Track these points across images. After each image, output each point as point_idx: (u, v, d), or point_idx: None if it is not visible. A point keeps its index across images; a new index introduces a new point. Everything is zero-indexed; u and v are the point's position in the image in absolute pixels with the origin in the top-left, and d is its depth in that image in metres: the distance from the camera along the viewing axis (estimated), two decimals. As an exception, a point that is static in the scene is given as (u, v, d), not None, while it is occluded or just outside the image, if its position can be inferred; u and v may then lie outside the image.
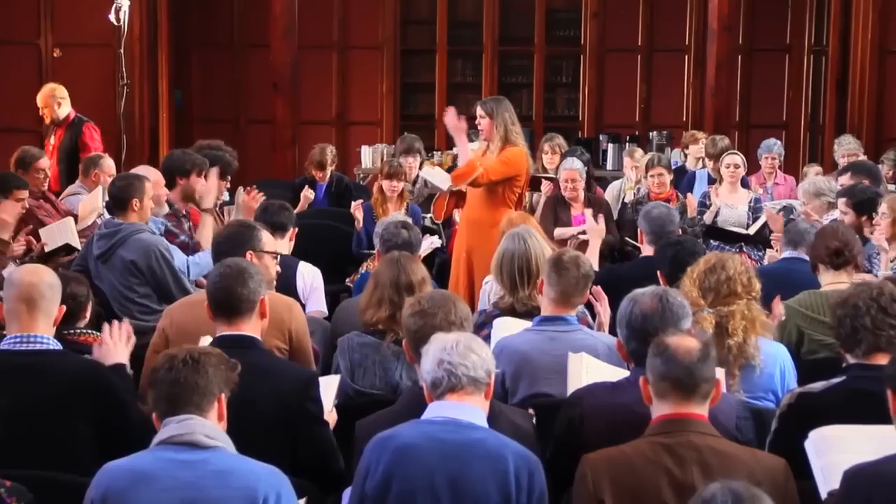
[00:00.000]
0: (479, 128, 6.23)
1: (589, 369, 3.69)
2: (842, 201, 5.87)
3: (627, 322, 3.31)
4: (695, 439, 2.83)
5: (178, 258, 5.30)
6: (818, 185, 6.68)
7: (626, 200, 7.81)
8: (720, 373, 3.63)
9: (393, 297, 4.02)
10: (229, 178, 6.46)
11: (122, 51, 9.94)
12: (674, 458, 2.81)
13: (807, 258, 5.16)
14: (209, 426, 2.73)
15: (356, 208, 7.09)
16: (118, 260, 5.14)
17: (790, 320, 4.56)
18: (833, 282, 4.66)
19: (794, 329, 4.56)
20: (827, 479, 2.93)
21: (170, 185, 5.83)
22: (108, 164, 7.05)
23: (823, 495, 2.94)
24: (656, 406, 2.91)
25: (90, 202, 6.43)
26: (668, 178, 7.53)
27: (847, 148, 8.48)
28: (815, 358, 4.46)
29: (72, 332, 3.93)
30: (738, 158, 7.70)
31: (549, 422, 3.41)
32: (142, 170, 5.56)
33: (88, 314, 4.10)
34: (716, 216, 7.47)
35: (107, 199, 6.40)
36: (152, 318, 4.92)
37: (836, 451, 2.96)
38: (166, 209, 5.63)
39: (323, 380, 3.73)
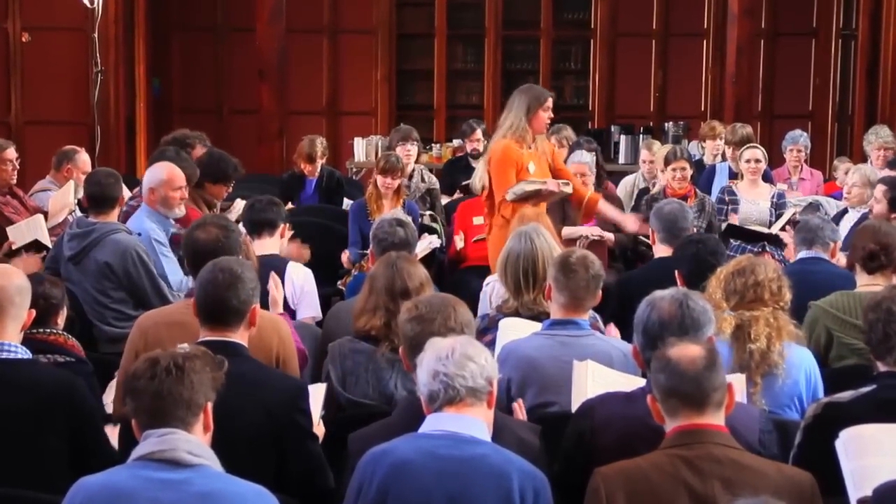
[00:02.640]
0: (545, 120, 6.16)
1: (595, 378, 3.69)
2: (881, 189, 5.84)
3: (644, 328, 3.30)
4: (715, 451, 2.83)
5: (176, 276, 5.29)
6: (880, 177, 6.66)
7: (655, 194, 7.75)
8: (740, 379, 3.65)
9: (388, 304, 4.01)
10: (233, 183, 6.47)
11: (95, 35, 9.94)
12: (693, 471, 2.80)
13: (824, 256, 5.15)
14: (193, 441, 2.71)
15: (346, 259, 6.97)
16: (92, 262, 5.13)
17: (819, 322, 4.55)
18: (868, 284, 4.66)
19: (822, 332, 4.55)
20: (858, 484, 2.92)
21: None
22: (83, 158, 7.04)
23: (853, 502, 2.94)
24: (669, 422, 2.92)
25: (61, 198, 6.44)
26: (689, 173, 7.50)
27: (884, 139, 8.48)
28: (843, 365, 4.46)
29: (39, 331, 3.93)
30: (759, 153, 7.62)
31: (556, 435, 3.41)
32: (162, 169, 5.54)
33: (62, 320, 4.11)
34: (734, 212, 7.43)
35: (80, 195, 6.41)
36: (128, 324, 4.89)
37: (870, 453, 2.96)
38: (182, 212, 5.60)
39: (310, 388, 3.73)
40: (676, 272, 4.57)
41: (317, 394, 3.74)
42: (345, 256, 6.93)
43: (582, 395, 3.61)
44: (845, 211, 6.97)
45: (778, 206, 7.43)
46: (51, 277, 4.33)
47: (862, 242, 4.72)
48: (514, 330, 4.19)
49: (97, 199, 5.30)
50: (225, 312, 3.48)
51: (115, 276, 5.12)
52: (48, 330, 4.00)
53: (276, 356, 4.02)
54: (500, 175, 5.99)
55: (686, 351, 2.91)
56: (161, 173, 5.49)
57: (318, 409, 3.70)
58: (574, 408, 3.58)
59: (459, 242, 7.03)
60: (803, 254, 5.24)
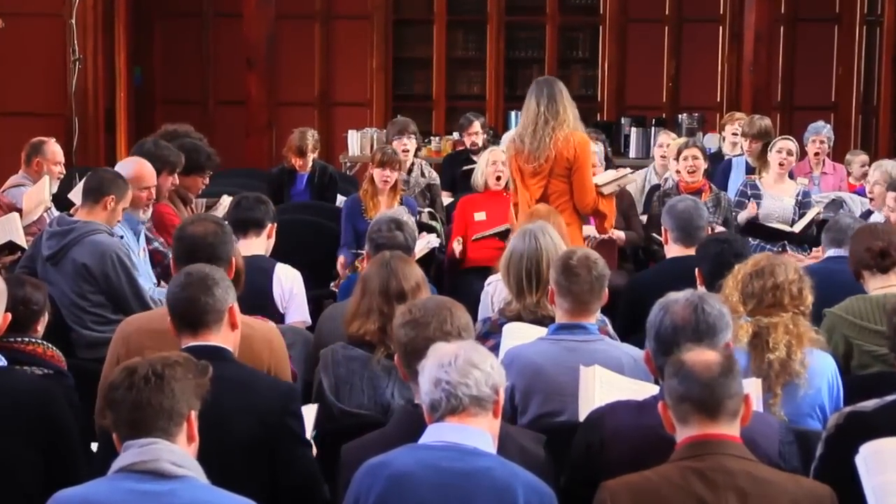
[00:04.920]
0: None
1: (603, 384, 3.70)
2: (892, 196, 5.86)
3: (656, 333, 3.30)
4: (729, 463, 2.84)
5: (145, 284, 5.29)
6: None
7: (668, 190, 7.74)
8: (757, 385, 3.66)
9: (382, 307, 4.02)
10: (209, 173, 6.49)
11: (73, 21, 9.96)
12: (706, 484, 2.81)
13: None
14: (177, 452, 2.72)
15: (341, 264, 6.84)
16: (69, 263, 5.12)
17: (836, 330, 4.55)
18: (883, 286, 4.67)
19: (840, 340, 4.55)
20: (881, 502, 2.93)
21: None
22: (52, 149, 7.03)
23: None
24: (680, 431, 2.93)
25: (36, 194, 6.43)
26: (702, 164, 7.47)
27: None
28: (867, 373, 4.46)
29: (17, 340, 3.93)
30: (793, 145, 7.53)
31: (563, 446, 3.41)
32: (129, 164, 5.55)
33: (42, 327, 4.09)
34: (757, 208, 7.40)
35: (54, 191, 6.40)
36: (108, 328, 4.89)
37: (891, 468, 2.96)
38: (148, 215, 5.61)
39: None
40: (697, 270, 4.60)
41: (307, 415, 3.72)
42: (340, 261, 6.82)
43: (589, 403, 3.61)
44: (870, 212, 6.94)
45: (802, 204, 7.37)
46: (33, 280, 4.32)
47: (865, 245, 4.76)
48: (519, 335, 4.20)
49: (87, 190, 5.29)
50: (201, 313, 3.47)
51: (93, 278, 5.10)
52: (26, 339, 3.98)
53: (267, 368, 4.02)
54: (589, 169, 6.12)
55: (701, 356, 2.92)
56: (129, 170, 5.48)
57: (310, 430, 3.68)
58: (581, 416, 3.58)
59: (457, 246, 6.98)
60: (832, 252, 5.33)
